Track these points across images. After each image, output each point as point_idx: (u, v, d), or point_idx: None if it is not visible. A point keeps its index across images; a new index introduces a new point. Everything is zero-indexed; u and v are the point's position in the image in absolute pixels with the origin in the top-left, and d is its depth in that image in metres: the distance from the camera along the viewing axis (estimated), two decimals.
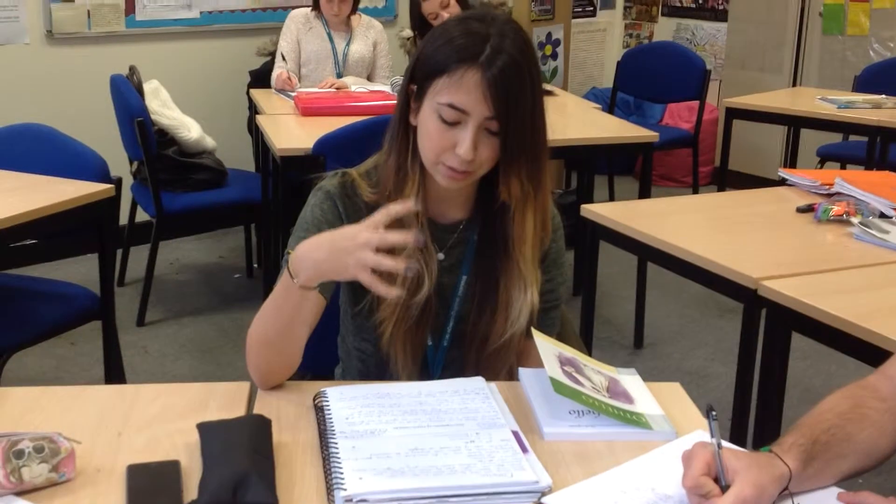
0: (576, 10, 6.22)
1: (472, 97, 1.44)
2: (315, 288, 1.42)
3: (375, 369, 1.67)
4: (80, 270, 4.16)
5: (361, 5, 4.50)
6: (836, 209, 2.38)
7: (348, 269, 1.33)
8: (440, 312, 1.63)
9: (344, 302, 1.71)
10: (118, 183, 2.77)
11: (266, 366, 1.48)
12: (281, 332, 1.46)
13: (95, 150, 2.90)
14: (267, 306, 1.47)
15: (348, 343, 1.73)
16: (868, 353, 1.77)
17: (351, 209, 1.59)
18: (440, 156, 1.49)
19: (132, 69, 4.06)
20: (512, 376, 1.59)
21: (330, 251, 1.36)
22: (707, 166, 6.05)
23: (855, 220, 2.34)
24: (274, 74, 4.31)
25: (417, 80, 1.52)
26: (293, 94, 4.06)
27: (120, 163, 3.88)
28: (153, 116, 3.88)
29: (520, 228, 1.57)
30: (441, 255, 1.62)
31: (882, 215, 2.39)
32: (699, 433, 1.35)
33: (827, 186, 2.59)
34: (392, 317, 1.58)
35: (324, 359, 1.82)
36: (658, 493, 1.20)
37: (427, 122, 1.50)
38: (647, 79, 5.23)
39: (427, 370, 1.65)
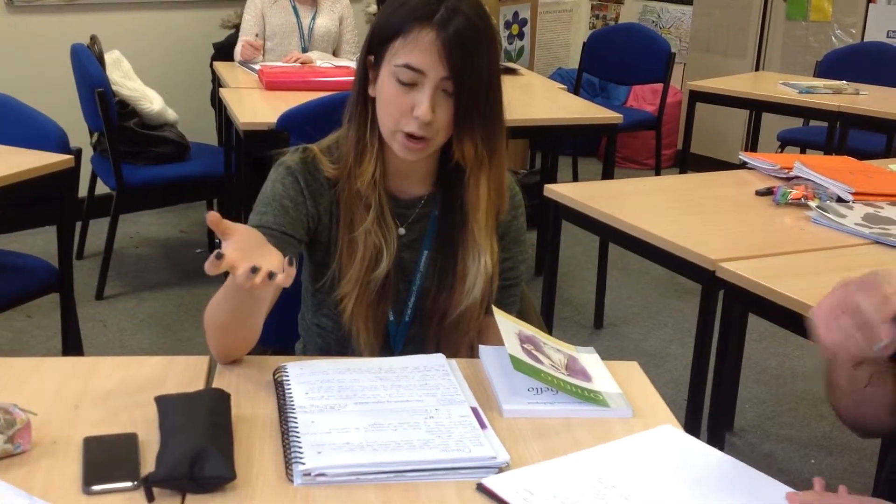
0: None
1: (427, 57, 1.45)
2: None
3: (335, 345, 1.67)
4: (39, 243, 4.11)
5: None
6: (795, 193, 2.41)
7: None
8: (402, 288, 1.63)
9: (305, 279, 1.71)
10: (78, 154, 2.74)
11: (223, 347, 1.47)
12: (234, 322, 1.43)
13: (55, 121, 2.86)
14: (220, 295, 1.43)
15: (307, 319, 1.73)
16: None
17: (313, 184, 1.59)
18: (398, 121, 1.49)
19: (93, 38, 4.01)
20: (473, 352, 1.60)
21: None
22: (670, 149, 6.10)
23: (813, 203, 2.37)
24: (237, 48, 4.27)
25: (374, 49, 1.52)
26: (257, 67, 4.02)
27: (80, 134, 3.84)
28: (114, 87, 3.83)
29: (473, 194, 1.58)
30: (402, 231, 1.62)
31: (839, 199, 2.42)
32: (667, 428, 1.35)
33: (786, 170, 2.62)
34: (353, 292, 1.58)
35: (285, 334, 1.82)
36: (605, 483, 1.20)
37: (385, 87, 1.50)
38: (613, 61, 5.25)
39: (388, 346, 1.66)
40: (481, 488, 1.17)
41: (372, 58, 1.53)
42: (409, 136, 1.50)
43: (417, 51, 1.45)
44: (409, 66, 1.46)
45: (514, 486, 1.17)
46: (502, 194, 1.63)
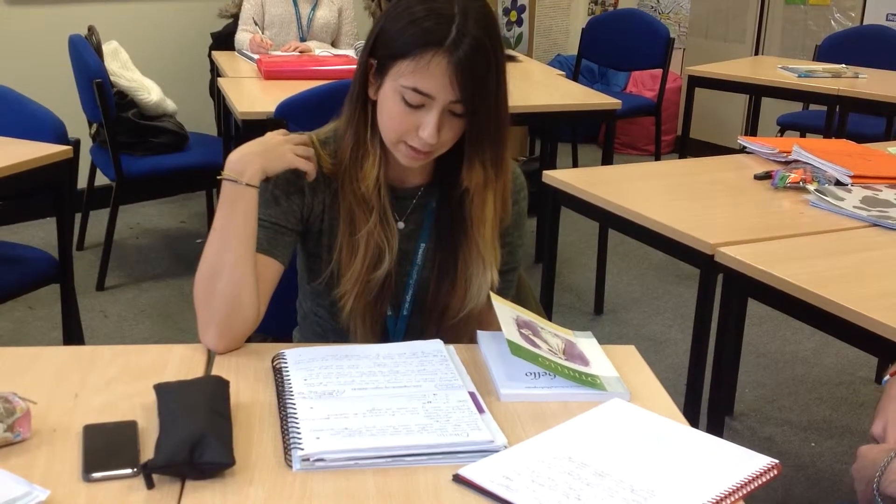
0: None
1: (437, 82, 1.42)
2: (257, 186, 1.47)
3: (332, 334, 1.67)
4: (39, 234, 4.12)
5: None
6: (793, 176, 2.41)
7: (286, 155, 1.50)
8: (399, 280, 1.62)
9: (301, 267, 1.71)
10: (76, 145, 2.74)
11: (218, 305, 1.44)
12: (228, 253, 1.44)
13: (53, 112, 2.86)
14: (212, 236, 1.46)
15: (305, 307, 1.73)
16: (821, 319, 1.80)
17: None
18: (402, 136, 1.48)
19: (91, 29, 4.00)
20: (473, 341, 1.60)
21: (263, 145, 1.51)
22: (670, 135, 6.09)
23: (811, 187, 2.37)
24: (243, 38, 4.26)
25: (378, 57, 1.49)
26: (256, 56, 4.02)
27: (79, 125, 3.84)
28: (112, 78, 3.83)
29: (479, 211, 1.57)
30: (401, 225, 1.62)
31: (838, 182, 2.43)
32: (617, 401, 1.36)
33: (785, 154, 2.62)
34: (352, 291, 1.57)
35: (283, 322, 1.82)
36: (575, 461, 1.20)
37: (389, 102, 1.48)
38: (612, 46, 5.24)
39: (388, 339, 1.65)
40: (458, 479, 1.16)
41: (374, 62, 1.50)
42: (413, 147, 1.49)
43: (428, 76, 1.42)
44: (418, 90, 1.43)
45: (490, 474, 1.16)
46: (507, 203, 1.61)
